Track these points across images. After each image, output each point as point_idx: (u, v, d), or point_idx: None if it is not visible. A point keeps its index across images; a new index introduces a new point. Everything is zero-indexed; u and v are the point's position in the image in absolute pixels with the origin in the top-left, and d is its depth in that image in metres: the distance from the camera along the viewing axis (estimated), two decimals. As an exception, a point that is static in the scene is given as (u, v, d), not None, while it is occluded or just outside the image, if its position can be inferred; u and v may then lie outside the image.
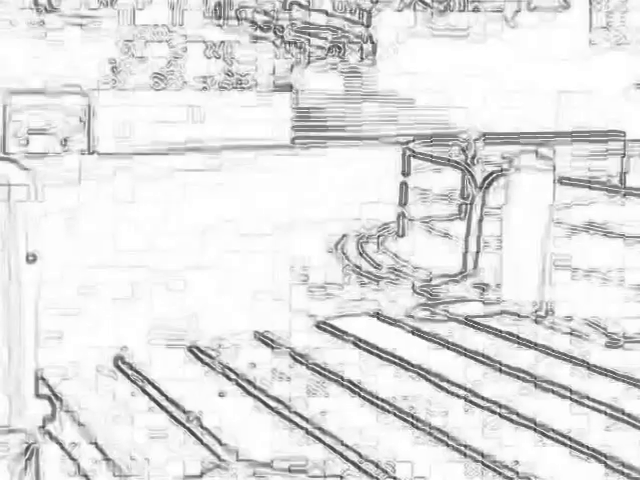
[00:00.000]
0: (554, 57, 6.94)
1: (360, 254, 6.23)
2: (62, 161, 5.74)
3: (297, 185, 6.60)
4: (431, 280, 5.87)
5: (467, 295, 5.69)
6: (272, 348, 4.96)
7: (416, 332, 5.13)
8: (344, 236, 6.49)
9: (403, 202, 6.55)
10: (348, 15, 7.48)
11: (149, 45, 6.77)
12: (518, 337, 5.00)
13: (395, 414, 4.21)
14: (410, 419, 4.12)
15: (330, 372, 4.66)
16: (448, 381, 4.53)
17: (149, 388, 4.54)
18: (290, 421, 4.26)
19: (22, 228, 4.42)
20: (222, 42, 6.90)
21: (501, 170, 6.01)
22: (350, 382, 4.58)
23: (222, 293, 5.51)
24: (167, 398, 4.40)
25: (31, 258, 4.19)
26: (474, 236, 5.96)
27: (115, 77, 6.58)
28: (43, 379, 4.32)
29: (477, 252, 5.96)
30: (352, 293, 5.77)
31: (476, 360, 4.77)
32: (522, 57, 7.07)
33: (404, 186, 6.55)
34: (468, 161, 6.60)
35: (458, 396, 4.39)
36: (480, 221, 5.99)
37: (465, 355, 4.83)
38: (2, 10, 6.30)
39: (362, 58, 7.35)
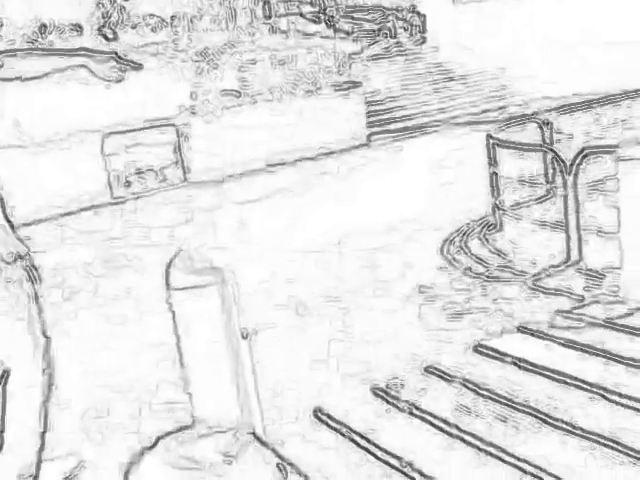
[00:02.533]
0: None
1: (467, 254, 6.24)
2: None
3: (380, 188, 6.52)
4: (542, 274, 5.94)
5: (575, 285, 5.78)
6: (446, 381, 4.98)
7: (577, 346, 5.19)
8: (448, 239, 6.48)
9: (497, 193, 6.56)
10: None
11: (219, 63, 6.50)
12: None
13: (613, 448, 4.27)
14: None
15: (522, 405, 4.69)
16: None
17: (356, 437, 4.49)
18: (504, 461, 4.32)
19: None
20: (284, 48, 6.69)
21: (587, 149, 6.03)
22: (544, 414, 4.64)
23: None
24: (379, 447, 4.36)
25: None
26: (573, 222, 6.01)
27: (194, 103, 6.33)
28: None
29: (579, 239, 6.03)
30: (478, 302, 5.79)
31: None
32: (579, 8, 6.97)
33: (495, 176, 6.53)
34: (549, 141, 6.61)
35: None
36: (577, 206, 6.04)
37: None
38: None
39: (412, 34, 7.22)
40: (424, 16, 6.74)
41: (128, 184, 5.63)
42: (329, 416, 4.60)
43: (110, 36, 6.03)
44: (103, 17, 5.99)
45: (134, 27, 5.81)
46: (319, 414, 4.61)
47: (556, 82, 6.83)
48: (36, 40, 5.90)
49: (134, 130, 5.70)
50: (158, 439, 3.44)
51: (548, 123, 6.67)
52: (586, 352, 5.09)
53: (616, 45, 6.86)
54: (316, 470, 4.21)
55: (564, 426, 4.40)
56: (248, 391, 3.93)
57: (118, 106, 5.77)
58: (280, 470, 4.10)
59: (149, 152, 5.79)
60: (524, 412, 4.60)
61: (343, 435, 4.46)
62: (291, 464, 4.16)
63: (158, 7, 6.29)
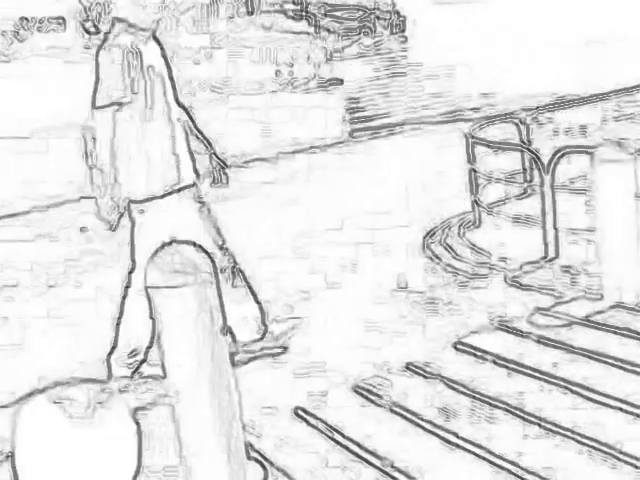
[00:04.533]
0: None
1: (447, 250, 6.30)
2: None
3: (361, 182, 6.57)
4: (520, 270, 6.01)
5: (555, 281, 5.86)
6: (425, 378, 5.03)
7: (559, 345, 5.25)
8: (428, 234, 6.54)
9: (475, 190, 6.62)
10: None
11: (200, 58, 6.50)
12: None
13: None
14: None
15: (502, 402, 4.75)
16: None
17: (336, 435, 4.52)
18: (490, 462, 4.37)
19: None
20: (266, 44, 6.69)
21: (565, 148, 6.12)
22: (521, 411, 4.70)
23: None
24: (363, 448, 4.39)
25: None
26: (550, 220, 6.10)
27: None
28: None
29: (556, 236, 6.12)
30: (457, 298, 5.85)
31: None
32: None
33: (473, 173, 6.60)
34: (527, 139, 6.69)
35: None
36: (554, 204, 6.12)
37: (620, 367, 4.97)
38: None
39: (392, 33, 7.25)
40: (404, 16, 6.79)
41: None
42: (309, 414, 4.64)
43: (92, 30, 6.01)
44: (85, 11, 5.96)
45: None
46: (299, 412, 4.65)
47: (535, 81, 6.90)
48: (17, 33, 5.88)
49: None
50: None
51: (525, 122, 6.75)
52: (564, 350, 5.15)
53: (596, 43, 6.93)
54: (296, 467, 4.24)
55: (542, 424, 4.45)
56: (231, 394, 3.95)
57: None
58: (263, 468, 4.13)
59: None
60: (501, 409, 4.65)
61: (322, 432, 4.49)
62: (268, 460, 4.18)
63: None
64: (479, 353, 5.19)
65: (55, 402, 2.77)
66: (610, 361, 4.86)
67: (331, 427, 4.45)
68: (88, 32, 5.96)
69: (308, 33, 6.41)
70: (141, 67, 4.71)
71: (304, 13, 6.40)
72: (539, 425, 4.50)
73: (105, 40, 4.79)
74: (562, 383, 4.73)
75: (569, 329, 5.36)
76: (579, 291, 5.70)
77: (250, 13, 6.51)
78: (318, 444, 4.35)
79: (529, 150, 6.21)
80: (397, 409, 4.62)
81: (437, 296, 5.84)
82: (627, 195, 5.52)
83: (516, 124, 6.64)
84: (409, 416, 4.54)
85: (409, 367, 5.07)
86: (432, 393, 4.85)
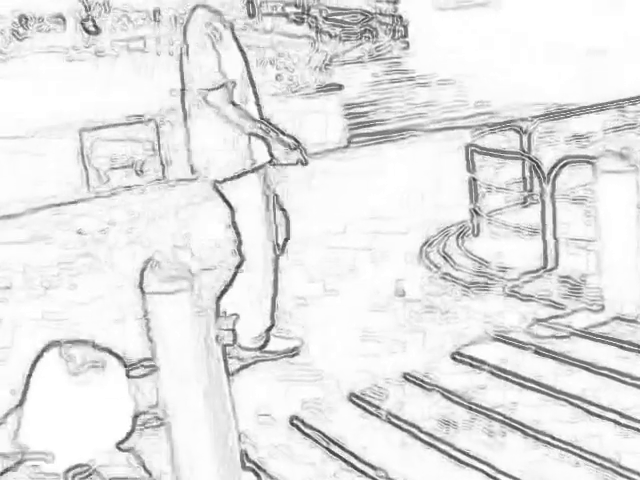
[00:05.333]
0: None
1: (445, 259, 6.24)
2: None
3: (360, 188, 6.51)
4: (519, 280, 5.96)
5: (554, 292, 5.81)
6: (422, 388, 4.98)
7: (558, 356, 5.20)
8: (427, 242, 6.48)
9: (475, 199, 6.56)
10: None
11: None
12: (643, 348, 5.13)
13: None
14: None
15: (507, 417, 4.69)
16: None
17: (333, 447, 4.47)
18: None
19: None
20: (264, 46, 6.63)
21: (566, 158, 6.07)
22: (518, 422, 4.65)
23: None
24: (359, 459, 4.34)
25: None
26: (550, 230, 6.05)
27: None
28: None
29: (556, 246, 6.06)
30: (455, 307, 5.79)
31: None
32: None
33: (473, 182, 6.54)
34: (527, 148, 6.62)
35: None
36: (554, 214, 6.06)
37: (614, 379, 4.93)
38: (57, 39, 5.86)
39: (394, 38, 7.20)
40: (407, 21, 6.74)
41: (107, 179, 5.57)
42: (305, 424, 4.59)
43: (92, 29, 5.96)
44: (85, 10, 5.91)
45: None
46: (295, 421, 4.60)
47: (537, 90, 6.85)
48: (17, 31, 5.82)
49: (114, 125, 5.64)
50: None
51: (526, 131, 6.70)
52: (563, 362, 5.10)
53: (598, 53, 6.89)
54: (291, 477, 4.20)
55: (539, 436, 4.41)
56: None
57: (98, 101, 5.70)
58: (257, 477, 4.08)
59: (127, 147, 5.74)
60: (498, 421, 4.60)
61: (318, 443, 4.44)
62: (264, 470, 4.14)
63: (140, 1, 6.22)
64: (476, 364, 5.14)
65: (63, 358, 2.92)
66: (608, 373, 4.81)
67: (327, 437, 4.39)
68: (88, 31, 5.90)
69: (309, 37, 6.36)
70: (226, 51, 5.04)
71: (305, 16, 6.35)
72: (536, 438, 4.45)
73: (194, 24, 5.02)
74: (560, 395, 4.68)
75: (568, 340, 5.31)
76: (579, 302, 5.65)
77: (251, 16, 6.46)
78: (313, 454, 4.30)
79: (530, 158, 6.16)
80: (394, 420, 4.57)
81: (435, 305, 5.79)
82: (629, 206, 5.47)
83: (517, 132, 6.59)
84: (406, 427, 4.49)
85: (406, 377, 5.01)
86: (429, 404, 4.80)
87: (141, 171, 5.35)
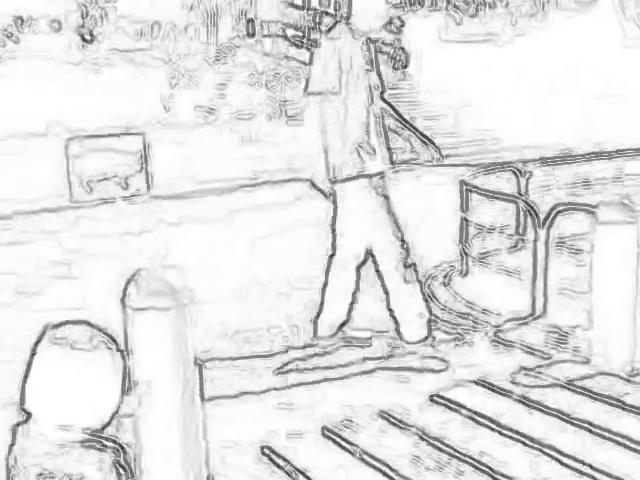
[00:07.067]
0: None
1: (430, 299, 6.06)
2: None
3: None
4: (504, 326, 5.80)
5: (540, 340, 5.65)
6: (398, 427, 4.80)
7: (534, 405, 5.05)
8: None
9: (465, 239, 6.41)
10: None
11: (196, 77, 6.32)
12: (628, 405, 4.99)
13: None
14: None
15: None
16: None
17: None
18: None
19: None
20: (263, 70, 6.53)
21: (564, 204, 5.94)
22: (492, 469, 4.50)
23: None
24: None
25: None
26: (540, 276, 5.89)
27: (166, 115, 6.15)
28: None
29: (545, 294, 5.90)
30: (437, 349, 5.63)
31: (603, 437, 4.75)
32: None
33: (465, 222, 6.39)
34: (523, 191, 6.48)
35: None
36: (546, 261, 5.91)
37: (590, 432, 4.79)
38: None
39: (394, 68, 7.09)
40: (409, 52, 6.62)
41: (90, 189, 5.43)
42: (275, 452, 4.43)
43: (88, 37, 5.84)
44: (82, 17, 5.79)
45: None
46: (266, 451, 4.44)
47: (539, 131, 6.73)
48: (12, 34, 5.70)
49: (101, 136, 5.50)
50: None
51: (525, 173, 6.57)
52: (542, 412, 4.96)
53: (605, 97, 6.79)
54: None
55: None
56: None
57: (87, 110, 5.58)
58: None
59: (114, 159, 5.60)
60: (473, 466, 4.46)
61: (288, 475, 4.29)
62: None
63: (140, 13, 6.12)
64: (454, 407, 4.99)
65: (54, 342, 3.11)
66: (587, 426, 4.68)
67: (297, 469, 4.25)
68: (84, 39, 5.77)
69: (306, 64, 6.25)
70: (351, 63, 5.42)
71: (305, 40, 6.25)
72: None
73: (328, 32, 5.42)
74: (536, 445, 4.54)
75: (551, 391, 5.16)
76: (565, 353, 5.51)
77: (251, 35, 6.37)
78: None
79: (525, 202, 6.03)
80: (366, 457, 4.42)
81: (417, 347, 5.66)
82: (627, 259, 5.32)
83: (514, 174, 6.46)
84: (378, 465, 4.34)
85: (382, 415, 4.86)
86: (404, 443, 4.66)
87: (126, 184, 5.19)
